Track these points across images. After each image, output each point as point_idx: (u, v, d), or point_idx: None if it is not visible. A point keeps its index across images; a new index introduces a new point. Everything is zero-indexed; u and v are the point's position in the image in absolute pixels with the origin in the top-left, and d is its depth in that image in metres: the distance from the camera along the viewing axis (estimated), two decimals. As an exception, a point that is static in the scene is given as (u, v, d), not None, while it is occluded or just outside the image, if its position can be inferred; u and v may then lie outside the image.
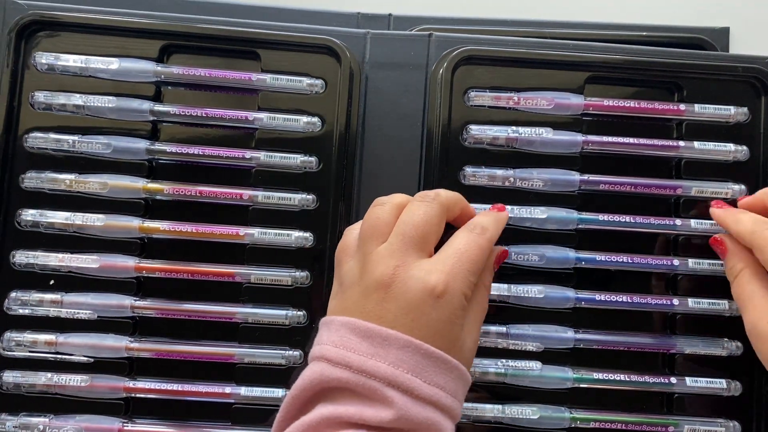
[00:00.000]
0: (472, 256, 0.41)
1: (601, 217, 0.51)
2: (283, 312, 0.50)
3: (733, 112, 0.52)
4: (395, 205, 0.43)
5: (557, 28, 0.62)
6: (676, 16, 0.64)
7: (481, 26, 0.61)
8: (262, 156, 0.51)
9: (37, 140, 0.51)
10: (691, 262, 0.50)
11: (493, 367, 0.49)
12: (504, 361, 0.49)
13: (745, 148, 0.51)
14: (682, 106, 0.52)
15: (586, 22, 0.62)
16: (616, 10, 0.65)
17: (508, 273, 0.51)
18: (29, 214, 0.50)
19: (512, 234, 0.51)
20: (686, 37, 0.61)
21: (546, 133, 0.51)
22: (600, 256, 0.50)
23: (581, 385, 0.49)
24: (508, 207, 0.50)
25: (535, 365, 0.49)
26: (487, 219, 0.44)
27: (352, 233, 0.45)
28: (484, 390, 0.50)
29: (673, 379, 0.49)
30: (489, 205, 0.48)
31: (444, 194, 0.44)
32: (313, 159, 0.52)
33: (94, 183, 0.51)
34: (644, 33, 0.61)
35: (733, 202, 0.50)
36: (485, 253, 0.43)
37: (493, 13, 0.63)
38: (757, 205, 0.48)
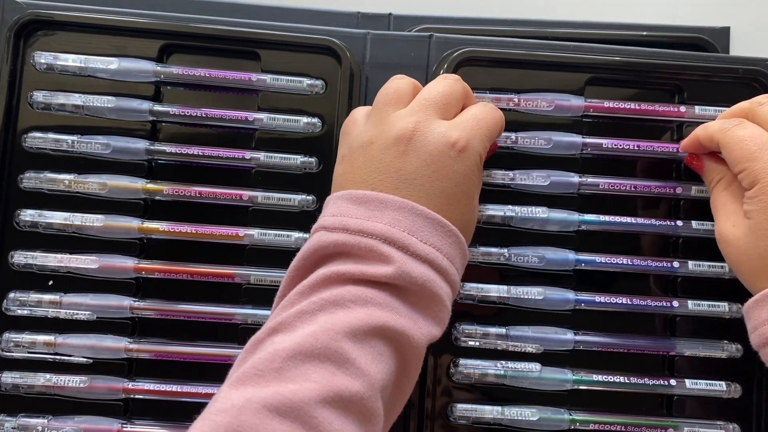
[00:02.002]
0: (488, 123, 0.44)
1: (603, 218, 0.51)
2: (283, 313, 0.50)
3: (733, 115, 0.52)
4: (414, 82, 0.46)
5: (557, 28, 0.61)
6: (676, 16, 0.64)
7: (482, 26, 0.61)
8: (262, 156, 0.51)
9: (36, 140, 0.51)
10: (691, 264, 0.50)
11: (492, 368, 0.49)
12: (503, 362, 0.49)
13: (745, 150, 0.51)
14: (683, 108, 0.52)
15: (586, 22, 0.62)
16: (616, 10, 0.65)
17: (508, 275, 0.51)
18: (28, 215, 0.50)
19: (512, 235, 0.51)
20: (686, 36, 0.61)
21: (546, 135, 0.51)
22: (600, 258, 0.50)
23: (581, 387, 0.49)
24: (509, 207, 0.50)
25: (534, 367, 0.49)
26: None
27: (360, 111, 0.47)
28: (483, 391, 0.50)
29: (673, 381, 0.49)
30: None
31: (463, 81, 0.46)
32: (313, 160, 0.51)
33: (93, 183, 0.50)
34: (644, 33, 0.61)
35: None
36: (498, 124, 0.45)
37: (493, 13, 0.63)
38: (694, 144, 0.49)
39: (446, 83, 0.44)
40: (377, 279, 0.38)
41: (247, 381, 0.35)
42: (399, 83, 0.45)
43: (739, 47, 0.62)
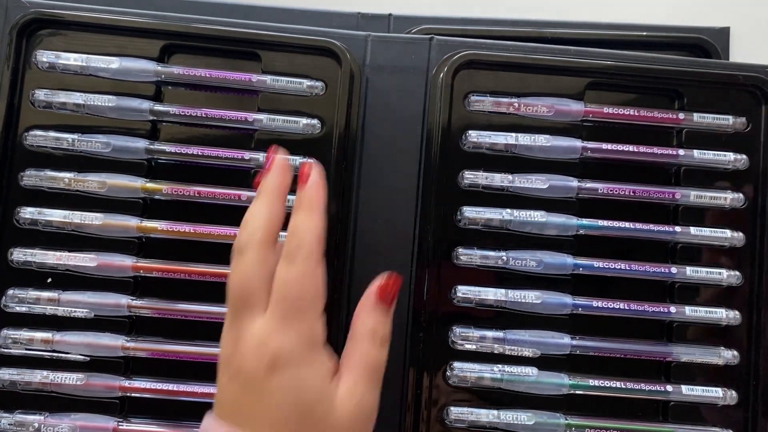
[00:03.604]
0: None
1: (602, 223, 0.51)
2: (280, 314, 0.50)
3: (731, 122, 0.51)
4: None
5: (557, 28, 0.61)
6: (676, 16, 0.64)
7: (482, 26, 0.61)
8: (261, 157, 0.51)
9: (37, 138, 0.51)
10: (689, 270, 0.50)
11: (488, 372, 0.49)
12: (500, 366, 0.49)
13: (744, 157, 0.51)
14: (681, 115, 0.52)
15: (586, 22, 0.62)
16: (616, 10, 0.65)
17: (505, 278, 0.51)
18: (28, 212, 0.50)
19: (510, 239, 0.51)
20: (686, 37, 0.61)
21: (545, 140, 0.51)
22: (598, 263, 0.50)
23: (577, 392, 0.49)
24: (507, 210, 0.50)
25: (531, 371, 0.49)
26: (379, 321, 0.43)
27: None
28: (479, 395, 0.50)
29: (669, 387, 0.49)
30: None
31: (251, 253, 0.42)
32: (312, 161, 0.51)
33: (93, 182, 0.51)
34: (644, 33, 0.61)
35: (731, 211, 0.51)
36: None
37: (494, 13, 0.63)
38: None
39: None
40: None
41: None
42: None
43: (739, 48, 0.62)
